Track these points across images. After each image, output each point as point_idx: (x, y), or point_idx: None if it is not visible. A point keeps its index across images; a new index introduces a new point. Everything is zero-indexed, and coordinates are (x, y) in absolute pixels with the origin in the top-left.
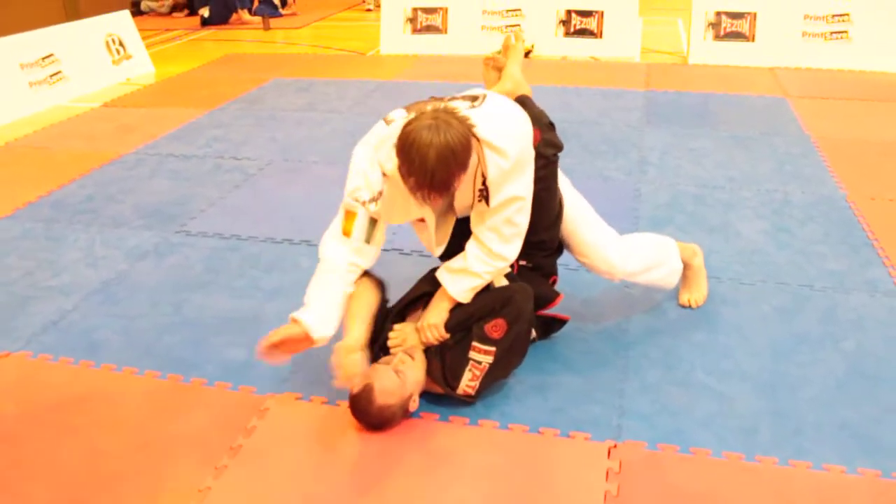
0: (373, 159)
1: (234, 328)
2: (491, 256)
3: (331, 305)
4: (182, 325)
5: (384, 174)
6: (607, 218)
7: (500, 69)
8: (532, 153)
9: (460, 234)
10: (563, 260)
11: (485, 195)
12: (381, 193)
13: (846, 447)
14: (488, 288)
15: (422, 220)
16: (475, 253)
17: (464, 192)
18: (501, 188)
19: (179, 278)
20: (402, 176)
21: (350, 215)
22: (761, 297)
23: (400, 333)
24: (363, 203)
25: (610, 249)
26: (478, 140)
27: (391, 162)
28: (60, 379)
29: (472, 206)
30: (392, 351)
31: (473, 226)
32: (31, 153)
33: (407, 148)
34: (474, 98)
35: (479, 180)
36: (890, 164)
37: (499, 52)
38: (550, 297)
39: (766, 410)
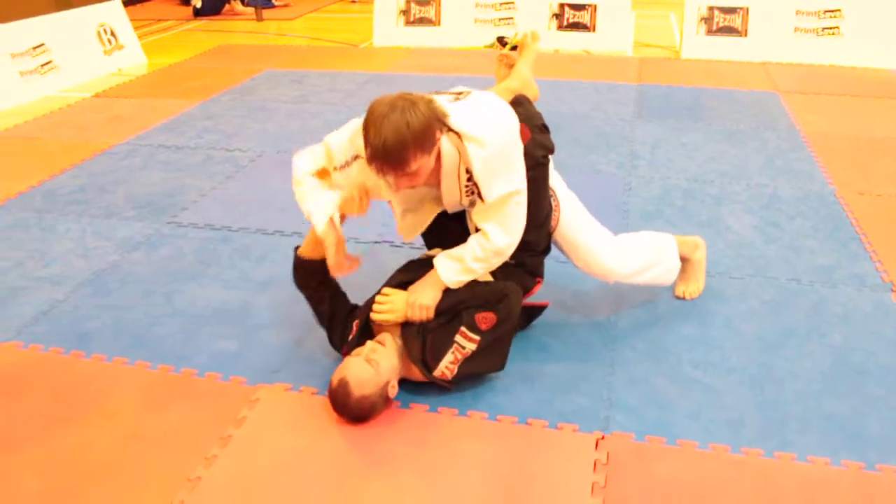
0: (355, 137)
1: (224, 319)
2: (491, 251)
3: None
4: (173, 316)
5: (358, 156)
6: (598, 211)
7: (511, 66)
8: (520, 145)
9: (445, 229)
10: (552, 252)
11: (476, 191)
12: (346, 164)
13: (831, 439)
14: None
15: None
16: (475, 247)
17: (449, 187)
18: (492, 183)
19: (170, 269)
20: (364, 146)
21: (325, 172)
22: (750, 291)
23: (389, 300)
24: (336, 168)
25: (605, 254)
26: (455, 133)
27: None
28: (51, 369)
29: (460, 202)
30: (375, 317)
31: (476, 221)
32: (23, 143)
33: (366, 118)
34: (459, 93)
35: (465, 176)
36: (879, 160)
37: (511, 49)
38: (529, 286)
39: (752, 403)
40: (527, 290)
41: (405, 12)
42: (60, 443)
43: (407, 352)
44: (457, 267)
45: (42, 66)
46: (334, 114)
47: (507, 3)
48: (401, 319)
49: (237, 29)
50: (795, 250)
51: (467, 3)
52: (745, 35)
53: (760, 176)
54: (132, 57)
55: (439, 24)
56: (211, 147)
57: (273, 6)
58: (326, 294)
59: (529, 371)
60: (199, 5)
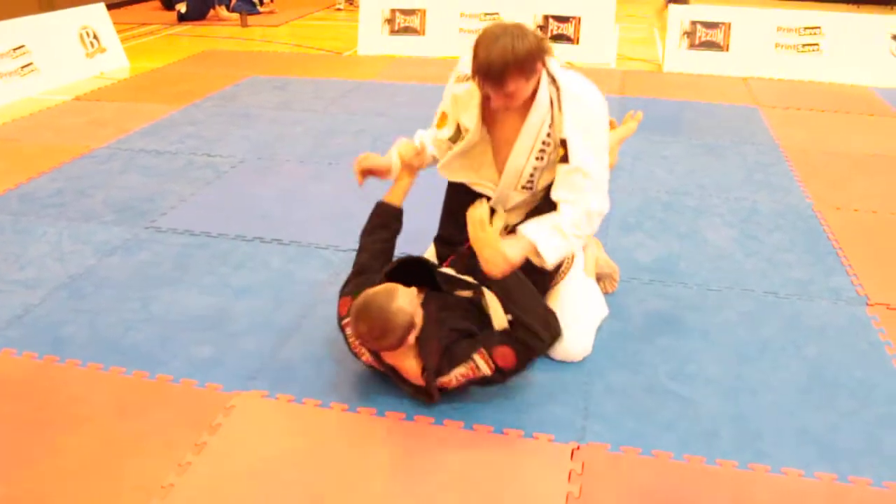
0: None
1: (201, 325)
2: (583, 214)
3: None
4: (149, 322)
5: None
6: None
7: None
8: (607, 131)
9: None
10: None
11: (552, 155)
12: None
13: (804, 451)
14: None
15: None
16: (569, 213)
17: (528, 133)
18: (582, 146)
19: (148, 274)
20: (472, 61)
21: (444, 116)
22: (727, 304)
23: (486, 234)
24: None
25: (575, 337)
26: (556, 86)
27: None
28: (24, 374)
29: (525, 163)
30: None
31: (558, 191)
32: (0, 145)
33: (479, 38)
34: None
35: (546, 131)
36: (855, 175)
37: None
38: None
39: (727, 414)
40: None
41: (390, 21)
42: (31, 448)
43: (420, 353)
44: (552, 234)
45: (22, 67)
46: (317, 121)
47: (492, 14)
48: (486, 245)
49: (221, 34)
50: (773, 263)
51: (452, 13)
52: (727, 50)
53: (740, 189)
54: (115, 60)
55: (424, 33)
56: (192, 152)
57: (258, 13)
58: (377, 247)
59: None
60: (183, 10)
